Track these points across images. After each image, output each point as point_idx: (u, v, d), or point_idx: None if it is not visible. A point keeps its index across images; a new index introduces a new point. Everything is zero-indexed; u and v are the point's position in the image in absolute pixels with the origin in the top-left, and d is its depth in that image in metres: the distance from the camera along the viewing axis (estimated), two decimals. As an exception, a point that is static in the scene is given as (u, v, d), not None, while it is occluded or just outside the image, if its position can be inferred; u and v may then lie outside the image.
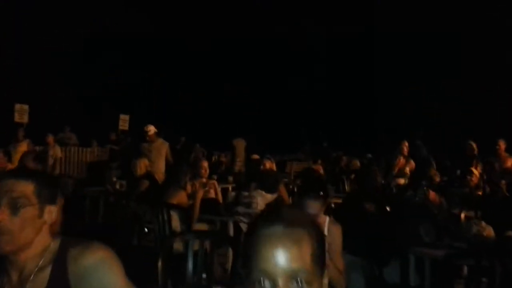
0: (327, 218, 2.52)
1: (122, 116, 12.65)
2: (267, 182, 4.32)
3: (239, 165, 11.14)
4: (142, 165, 5.50)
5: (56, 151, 8.79)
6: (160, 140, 6.46)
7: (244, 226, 4.30)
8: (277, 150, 13.31)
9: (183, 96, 16.47)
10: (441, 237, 3.31)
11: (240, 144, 11.65)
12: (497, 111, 13.02)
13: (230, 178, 7.66)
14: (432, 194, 3.95)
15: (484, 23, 13.42)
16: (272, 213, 1.03)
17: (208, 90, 16.72)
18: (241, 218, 4.25)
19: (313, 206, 2.31)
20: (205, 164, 5.05)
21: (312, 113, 16.79)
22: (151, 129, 6.54)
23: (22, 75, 12.82)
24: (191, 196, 4.41)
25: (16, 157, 8.28)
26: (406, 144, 6.23)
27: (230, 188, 7.29)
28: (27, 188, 1.41)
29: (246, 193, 4.54)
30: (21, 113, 10.64)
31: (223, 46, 16.18)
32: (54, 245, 1.46)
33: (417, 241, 3.22)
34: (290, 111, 16.70)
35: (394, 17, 14.45)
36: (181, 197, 4.01)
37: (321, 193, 2.33)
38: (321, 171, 9.30)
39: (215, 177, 7.65)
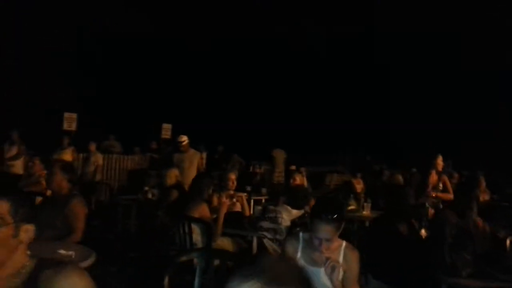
0: (343, 243, 2.30)
1: (164, 125, 12.94)
2: (295, 197, 4.14)
3: (278, 176, 10.98)
4: (172, 175, 5.50)
5: (98, 158, 9.05)
6: (193, 150, 6.47)
7: (267, 242, 4.14)
8: (317, 162, 13.03)
9: (218, 103, 16.65)
10: (481, 266, 2.96)
11: (279, 155, 11.50)
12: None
13: (264, 190, 7.52)
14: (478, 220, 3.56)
15: (484, 23, 13.41)
16: (254, 266, 0.88)
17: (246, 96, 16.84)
18: (265, 233, 4.09)
19: (325, 230, 2.11)
20: (233, 176, 4.94)
21: (311, 113, 16.77)
22: (185, 139, 6.56)
23: (22, 75, 13.25)
24: (216, 208, 4.31)
25: (60, 163, 8.68)
26: (441, 158, 5.73)
27: (263, 201, 7.15)
28: (1, 207, 1.36)
29: (272, 207, 4.38)
30: (70, 121, 11.13)
31: (223, 46, 16.32)
32: (30, 265, 1.40)
33: (452, 269, 2.90)
34: (289, 111, 16.68)
35: (394, 17, 14.45)
36: (203, 210, 3.91)
37: (335, 216, 2.12)
38: (361, 184, 8.97)
39: (249, 188, 7.56)
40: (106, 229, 6.49)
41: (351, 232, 5.77)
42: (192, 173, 6.17)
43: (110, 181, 9.54)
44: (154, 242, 5.14)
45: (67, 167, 3.85)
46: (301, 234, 2.35)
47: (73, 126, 11.12)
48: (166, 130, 12.86)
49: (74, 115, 11.18)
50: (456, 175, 7.54)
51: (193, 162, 6.32)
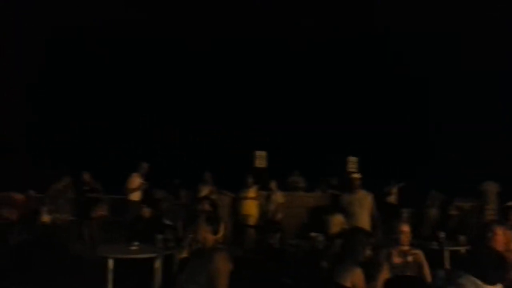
0: None
1: (350, 158, 12.28)
2: (488, 267, 2.89)
3: (489, 215, 9.05)
4: (336, 222, 4.82)
5: (278, 197, 9.10)
6: (363, 192, 5.60)
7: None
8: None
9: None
10: None
11: (491, 189, 9.58)
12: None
13: (463, 238, 5.93)
14: None
15: (484, 23, 13.48)
16: None
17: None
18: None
19: None
20: (406, 228, 3.92)
21: (309, 114, 15.86)
22: (357, 176, 5.81)
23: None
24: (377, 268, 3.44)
25: (244, 202, 9.04)
26: None
27: (461, 252, 5.67)
28: None
29: (462, 275, 3.19)
30: (260, 159, 11.74)
31: (223, 46, 15.79)
32: None
33: None
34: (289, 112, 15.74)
35: (394, 17, 14.37)
36: (356, 277, 3.09)
37: None
38: None
39: (442, 235, 6.16)
40: (279, 274, 6.24)
41: None
42: (363, 219, 5.33)
43: (291, 220, 9.39)
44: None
45: (212, 218, 3.70)
46: None
47: (264, 164, 11.65)
48: (352, 163, 12.18)
49: (264, 153, 11.73)
50: None
51: (364, 205, 5.45)
